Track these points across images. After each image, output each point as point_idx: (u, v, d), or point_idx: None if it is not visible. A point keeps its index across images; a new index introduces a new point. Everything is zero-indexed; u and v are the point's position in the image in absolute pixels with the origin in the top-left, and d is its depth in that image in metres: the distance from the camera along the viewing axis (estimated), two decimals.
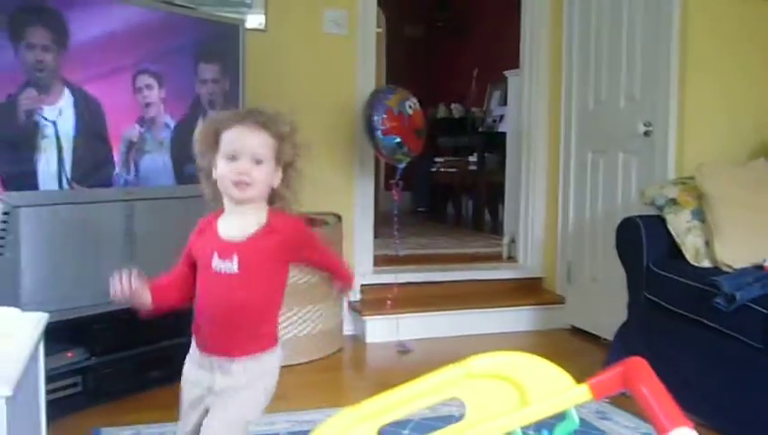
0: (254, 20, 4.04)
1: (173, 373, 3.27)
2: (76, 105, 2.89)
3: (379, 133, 3.92)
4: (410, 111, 3.95)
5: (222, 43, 3.41)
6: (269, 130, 1.80)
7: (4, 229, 2.62)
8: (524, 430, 0.88)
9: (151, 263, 3.08)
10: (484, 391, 0.88)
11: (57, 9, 2.81)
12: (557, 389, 0.88)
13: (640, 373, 0.87)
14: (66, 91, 2.85)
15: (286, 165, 1.84)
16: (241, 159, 1.75)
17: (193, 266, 1.90)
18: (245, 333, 1.85)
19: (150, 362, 3.24)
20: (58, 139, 2.82)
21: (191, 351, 1.95)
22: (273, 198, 1.86)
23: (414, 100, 4.02)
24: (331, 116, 4.23)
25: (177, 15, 3.25)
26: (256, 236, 1.80)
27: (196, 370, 1.92)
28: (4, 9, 2.68)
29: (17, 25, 2.71)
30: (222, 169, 1.76)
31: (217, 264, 1.79)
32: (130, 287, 1.78)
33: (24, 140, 2.74)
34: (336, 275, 2.07)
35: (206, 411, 1.86)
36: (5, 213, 2.58)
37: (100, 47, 2.94)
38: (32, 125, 2.75)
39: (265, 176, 1.78)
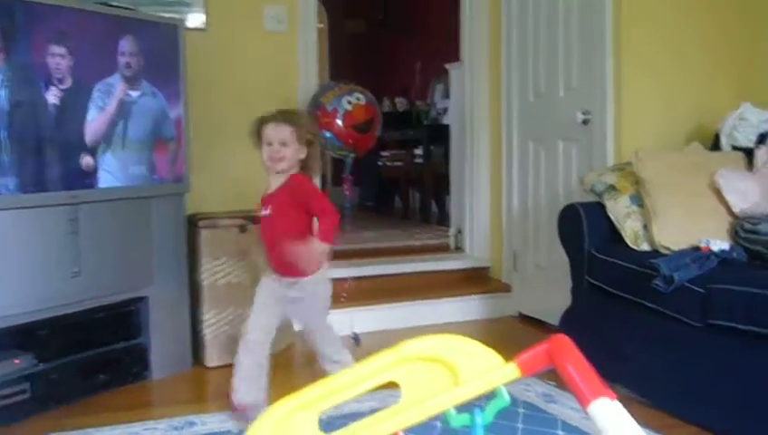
0: (195, 19, 4.03)
1: (120, 376, 3.30)
2: (22, 108, 2.87)
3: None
4: (348, 107, 3.92)
5: (162, 43, 3.39)
6: (289, 123, 2.68)
7: None
8: (458, 409, 0.92)
9: (96, 267, 3.10)
10: (418, 374, 0.91)
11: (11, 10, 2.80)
12: (487, 368, 0.92)
13: (564, 349, 0.91)
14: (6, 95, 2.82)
15: (308, 143, 2.71)
16: (274, 145, 2.66)
17: None
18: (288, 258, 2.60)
19: (98, 366, 3.24)
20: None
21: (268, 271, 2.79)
22: (305, 168, 2.74)
23: (358, 95, 3.98)
24: None
25: (115, 17, 3.23)
26: (279, 191, 2.70)
27: (272, 282, 2.79)
28: None
29: None
30: (263, 152, 2.68)
31: (262, 211, 2.75)
32: None
33: None
34: (320, 225, 2.67)
35: (281, 312, 2.83)
36: None
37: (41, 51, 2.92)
38: None
39: (292, 153, 2.67)
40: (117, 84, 3.21)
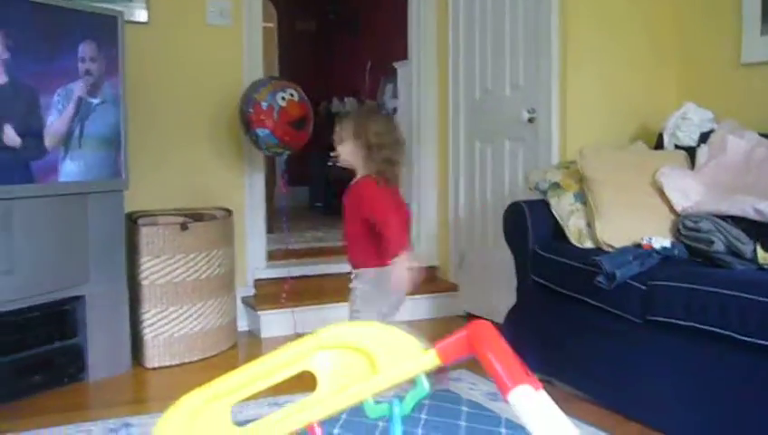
0: (137, 13, 3.94)
1: (56, 377, 3.21)
2: None
3: (251, 127, 3.86)
4: (283, 103, 3.84)
5: (102, 36, 3.31)
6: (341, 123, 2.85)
7: None
8: (377, 398, 0.88)
9: (30, 264, 3.01)
10: (335, 363, 0.87)
11: None
12: (407, 356, 0.89)
13: (484, 336, 0.88)
14: None
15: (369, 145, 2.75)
16: None
17: None
18: (351, 252, 2.89)
19: (33, 367, 3.15)
20: None
21: None
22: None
23: (292, 91, 3.91)
24: (217, 109, 4.16)
25: (55, 8, 3.14)
26: (348, 190, 2.84)
27: None
28: None
29: None
30: None
31: None
32: None
33: None
34: (384, 240, 2.64)
35: None
36: None
37: None
38: None
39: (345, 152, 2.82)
40: (60, 78, 3.13)
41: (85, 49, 3.24)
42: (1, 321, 3.04)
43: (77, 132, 3.23)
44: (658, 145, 3.64)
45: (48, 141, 3.12)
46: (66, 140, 3.18)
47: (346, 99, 8.38)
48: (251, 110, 3.83)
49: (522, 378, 0.79)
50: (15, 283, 3.00)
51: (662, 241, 2.95)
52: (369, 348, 0.87)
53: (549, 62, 3.75)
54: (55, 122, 3.13)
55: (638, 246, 2.96)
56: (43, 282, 3.13)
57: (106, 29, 3.32)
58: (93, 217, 3.31)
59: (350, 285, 2.86)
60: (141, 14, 3.97)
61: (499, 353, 0.84)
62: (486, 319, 3.31)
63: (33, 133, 3.06)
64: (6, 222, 2.96)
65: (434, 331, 4.19)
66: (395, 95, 7.06)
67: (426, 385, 0.88)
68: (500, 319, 3.66)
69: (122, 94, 3.37)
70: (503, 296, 3.74)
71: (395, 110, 7.09)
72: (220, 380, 0.85)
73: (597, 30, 3.79)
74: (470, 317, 4.45)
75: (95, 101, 3.28)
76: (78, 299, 3.31)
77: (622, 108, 3.85)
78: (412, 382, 0.89)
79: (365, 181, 2.79)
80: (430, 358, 0.89)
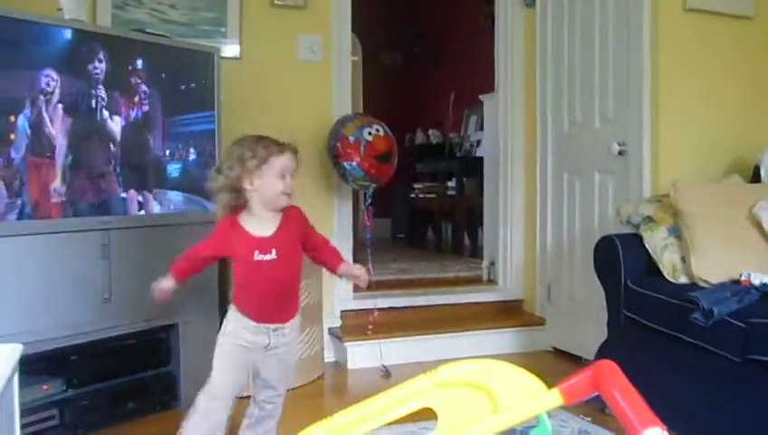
0: (230, 49, 4.05)
1: (149, 405, 3.28)
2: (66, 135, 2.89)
3: (339, 160, 3.97)
4: (369, 138, 3.95)
5: (197, 72, 3.41)
6: (296, 154, 2.52)
7: None
8: None
9: (126, 293, 3.09)
10: (455, 400, 0.87)
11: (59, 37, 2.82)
12: (528, 394, 0.88)
13: (610, 376, 0.87)
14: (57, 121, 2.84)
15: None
16: (287, 178, 2.43)
17: (216, 258, 2.63)
18: (289, 302, 2.52)
19: (127, 394, 3.22)
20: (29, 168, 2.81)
21: (241, 323, 2.46)
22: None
23: (377, 126, 4.03)
24: (306, 142, 4.20)
25: (153, 44, 3.26)
26: (281, 231, 2.44)
27: (251, 336, 2.46)
28: None
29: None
30: (273, 184, 2.40)
31: (259, 256, 2.39)
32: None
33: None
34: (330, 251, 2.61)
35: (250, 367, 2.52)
36: None
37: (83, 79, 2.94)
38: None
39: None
40: (157, 113, 3.23)
41: (183, 83, 3.35)
42: (98, 348, 3.12)
43: (172, 163, 3.32)
44: (755, 178, 3.55)
45: (145, 172, 3.22)
46: (162, 171, 3.28)
47: (430, 131, 8.43)
48: (338, 144, 3.94)
49: (652, 420, 0.78)
50: (113, 311, 3.08)
51: (761, 277, 2.86)
52: (490, 386, 0.87)
53: (640, 94, 3.70)
54: (152, 153, 3.24)
55: (736, 282, 2.88)
56: (138, 310, 3.20)
57: (203, 64, 3.42)
58: (187, 246, 3.37)
59: (283, 341, 2.51)
60: (234, 50, 4.07)
61: (626, 394, 0.83)
62: (573, 354, 3.25)
63: (131, 164, 3.17)
64: (105, 252, 3.05)
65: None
66: (479, 127, 7.08)
67: (549, 425, 0.87)
68: (587, 354, 3.61)
69: (217, 127, 3.45)
70: (590, 331, 3.68)
71: (479, 142, 7.12)
72: (340, 414, 0.85)
73: (690, 61, 3.73)
74: (557, 352, 4.39)
75: (190, 132, 3.37)
76: (172, 328, 3.38)
77: (717, 140, 3.77)
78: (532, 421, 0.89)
79: (295, 207, 2.54)
80: (554, 397, 0.88)
